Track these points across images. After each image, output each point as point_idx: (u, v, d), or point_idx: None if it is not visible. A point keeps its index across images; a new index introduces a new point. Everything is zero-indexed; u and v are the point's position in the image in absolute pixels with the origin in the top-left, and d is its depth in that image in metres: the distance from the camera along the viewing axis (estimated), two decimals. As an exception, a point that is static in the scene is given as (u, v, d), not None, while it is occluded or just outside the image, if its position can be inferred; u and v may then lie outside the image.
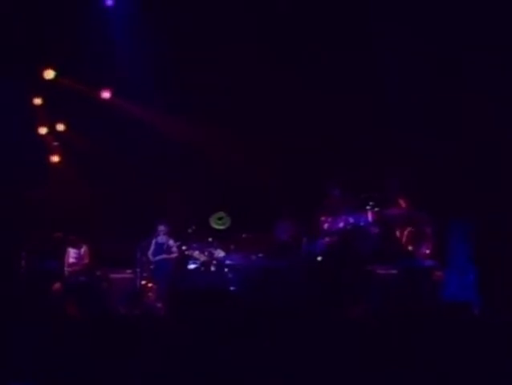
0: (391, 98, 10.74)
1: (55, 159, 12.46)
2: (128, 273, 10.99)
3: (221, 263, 10.76)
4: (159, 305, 10.06)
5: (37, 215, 11.69)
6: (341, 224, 10.54)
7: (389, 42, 10.40)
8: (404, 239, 10.08)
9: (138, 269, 10.94)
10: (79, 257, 11.04)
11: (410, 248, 9.99)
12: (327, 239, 10.53)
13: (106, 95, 12.06)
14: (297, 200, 11.10)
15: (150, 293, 10.68)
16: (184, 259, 10.96)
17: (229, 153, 11.82)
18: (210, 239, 11.02)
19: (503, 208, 9.42)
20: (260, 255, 10.80)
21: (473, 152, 9.88)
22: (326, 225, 10.72)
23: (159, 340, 5.32)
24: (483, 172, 9.75)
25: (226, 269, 10.70)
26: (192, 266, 10.91)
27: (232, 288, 10.28)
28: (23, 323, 5.62)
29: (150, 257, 10.96)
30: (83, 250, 11.06)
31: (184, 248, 10.97)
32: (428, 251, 9.82)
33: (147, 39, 11.07)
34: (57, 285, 10.33)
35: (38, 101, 11.91)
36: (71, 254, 11.07)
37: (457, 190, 9.73)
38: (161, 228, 10.90)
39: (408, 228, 10.07)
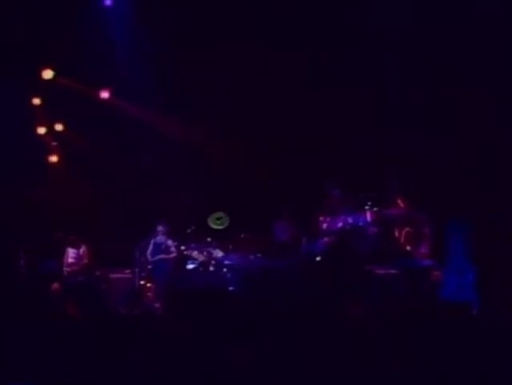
0: (391, 98, 10.74)
1: (54, 159, 12.47)
2: (126, 273, 10.99)
3: (219, 263, 10.76)
4: (157, 305, 10.06)
5: (36, 215, 11.69)
6: (340, 224, 10.54)
7: (389, 42, 10.41)
8: (402, 239, 10.08)
9: (137, 269, 10.94)
10: (78, 257, 11.04)
11: (408, 248, 9.99)
12: (325, 239, 10.53)
13: (105, 95, 12.07)
14: (296, 200, 11.09)
15: (149, 293, 10.69)
16: (183, 259, 10.96)
17: (229, 153, 11.82)
18: (209, 239, 11.01)
19: (503, 208, 9.42)
20: (259, 255, 10.80)
21: (473, 152, 9.89)
22: (325, 225, 10.71)
23: (158, 340, 5.32)
24: (483, 172, 9.75)
25: (225, 269, 10.70)
26: (190, 266, 10.90)
27: (231, 288, 10.28)
28: (23, 323, 5.63)
29: (148, 257, 10.96)
30: (82, 250, 11.06)
31: (182, 248, 10.97)
32: (426, 251, 9.82)
33: (146, 39, 11.06)
34: (55, 285, 10.33)
35: (36, 101, 11.91)
36: (70, 254, 11.07)
37: (456, 190, 9.73)
38: (160, 228, 10.91)
39: (407, 228, 10.07)
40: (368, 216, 10.37)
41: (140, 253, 11.02)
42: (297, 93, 11.11)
